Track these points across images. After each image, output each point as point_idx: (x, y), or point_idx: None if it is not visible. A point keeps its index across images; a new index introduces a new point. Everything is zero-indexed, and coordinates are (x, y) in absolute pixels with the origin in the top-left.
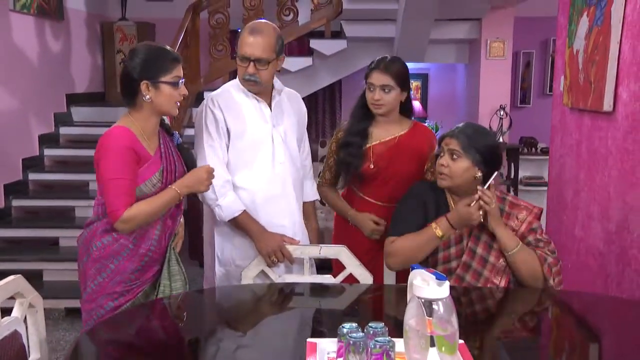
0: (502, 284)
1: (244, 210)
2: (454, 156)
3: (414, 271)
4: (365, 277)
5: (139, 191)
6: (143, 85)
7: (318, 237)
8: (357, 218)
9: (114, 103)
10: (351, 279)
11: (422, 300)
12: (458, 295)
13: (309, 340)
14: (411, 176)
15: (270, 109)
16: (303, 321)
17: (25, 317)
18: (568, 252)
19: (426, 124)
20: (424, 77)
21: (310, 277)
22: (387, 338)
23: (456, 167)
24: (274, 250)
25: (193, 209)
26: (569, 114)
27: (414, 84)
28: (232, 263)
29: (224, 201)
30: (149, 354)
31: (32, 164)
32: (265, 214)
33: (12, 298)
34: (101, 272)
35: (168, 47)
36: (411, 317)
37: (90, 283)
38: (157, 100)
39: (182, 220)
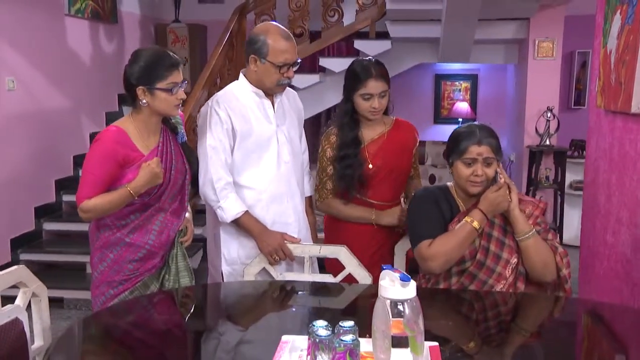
0: (519, 285)
1: (246, 211)
2: (488, 162)
3: (384, 271)
4: (364, 277)
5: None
6: (139, 90)
7: (315, 231)
8: (383, 216)
9: None
10: (350, 279)
11: (388, 301)
12: (471, 300)
13: (284, 337)
14: (405, 171)
15: (274, 109)
16: (299, 319)
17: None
18: (599, 258)
19: None
20: (473, 78)
21: (310, 276)
22: (353, 337)
23: (490, 171)
24: (275, 249)
25: None
26: (604, 116)
27: (463, 85)
28: (238, 262)
29: (225, 203)
30: (139, 345)
31: (82, 160)
32: (272, 213)
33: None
34: (102, 261)
35: (169, 52)
36: (377, 317)
37: (94, 271)
38: (154, 104)
39: (188, 215)
